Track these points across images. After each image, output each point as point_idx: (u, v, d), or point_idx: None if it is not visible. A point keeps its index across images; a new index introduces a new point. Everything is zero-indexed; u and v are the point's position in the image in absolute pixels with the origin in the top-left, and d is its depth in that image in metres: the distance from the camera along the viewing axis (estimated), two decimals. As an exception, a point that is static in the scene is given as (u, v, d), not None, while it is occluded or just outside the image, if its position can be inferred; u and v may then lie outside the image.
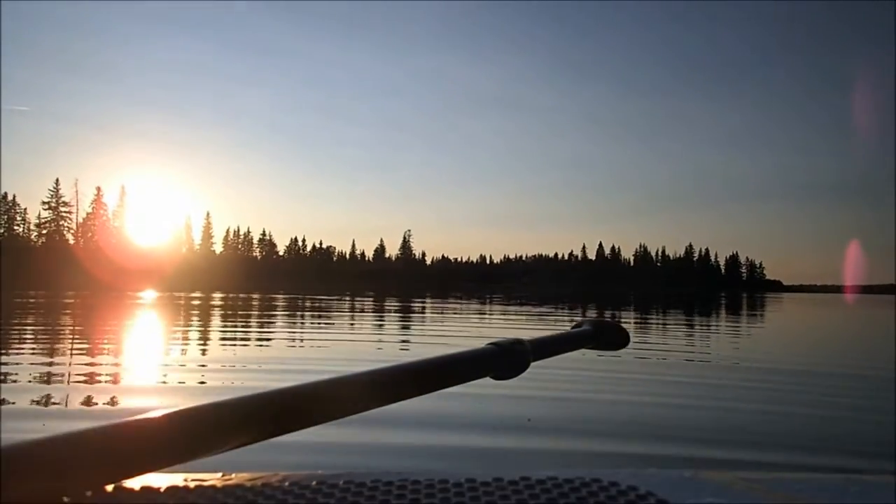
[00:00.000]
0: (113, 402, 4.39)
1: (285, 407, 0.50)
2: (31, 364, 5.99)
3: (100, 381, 5.23)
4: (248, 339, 9.11)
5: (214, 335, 9.87)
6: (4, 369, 5.60)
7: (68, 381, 5.22)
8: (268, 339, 9.19)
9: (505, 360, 0.61)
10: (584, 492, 0.51)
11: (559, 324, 14.60)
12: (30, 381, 5.04)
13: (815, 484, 0.59)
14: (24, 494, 0.38)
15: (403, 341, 9.57)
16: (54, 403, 4.30)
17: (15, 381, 5.08)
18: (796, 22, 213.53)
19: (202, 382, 5.24)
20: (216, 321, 13.24)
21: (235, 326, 11.65)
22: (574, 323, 0.77)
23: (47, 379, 5.26)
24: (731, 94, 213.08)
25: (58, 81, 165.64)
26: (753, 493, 0.54)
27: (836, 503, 0.54)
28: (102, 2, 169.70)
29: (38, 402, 4.23)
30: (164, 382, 5.36)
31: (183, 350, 7.82)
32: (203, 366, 6.46)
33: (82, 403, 4.30)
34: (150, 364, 6.62)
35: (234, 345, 8.41)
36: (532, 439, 3.36)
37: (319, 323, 13.22)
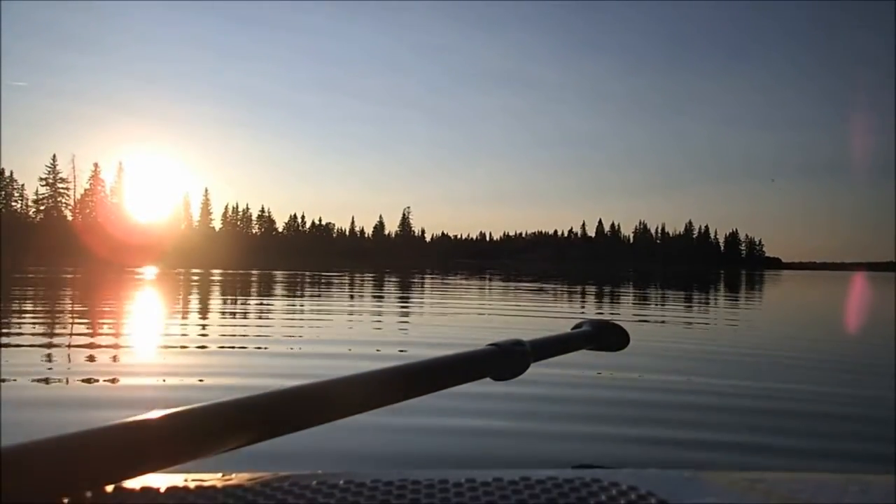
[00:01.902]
0: (113, 373, 4.42)
1: (285, 407, 0.50)
2: (32, 336, 6.01)
3: (100, 347, 5.26)
4: (247, 317, 9.15)
5: (214, 310, 9.91)
6: (5, 340, 5.62)
7: (69, 348, 5.25)
8: (267, 318, 9.23)
9: (505, 361, 0.61)
10: (584, 492, 0.51)
11: (557, 305, 14.63)
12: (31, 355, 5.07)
13: (814, 484, 0.59)
14: (24, 494, 0.38)
15: (403, 312, 9.61)
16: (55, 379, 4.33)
17: (17, 347, 5.10)
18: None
19: (201, 347, 5.28)
20: (216, 297, 13.29)
21: (235, 303, 11.70)
22: (574, 324, 0.77)
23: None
24: (733, 72, 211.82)
25: (55, 56, 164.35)
26: (753, 493, 0.54)
27: (836, 503, 0.54)
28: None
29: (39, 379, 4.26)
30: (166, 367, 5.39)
31: (182, 316, 7.85)
32: (203, 336, 6.49)
33: (83, 381, 4.32)
34: (153, 335, 6.65)
35: (234, 319, 8.44)
36: (532, 439, 3.35)
37: (319, 300, 13.25)
